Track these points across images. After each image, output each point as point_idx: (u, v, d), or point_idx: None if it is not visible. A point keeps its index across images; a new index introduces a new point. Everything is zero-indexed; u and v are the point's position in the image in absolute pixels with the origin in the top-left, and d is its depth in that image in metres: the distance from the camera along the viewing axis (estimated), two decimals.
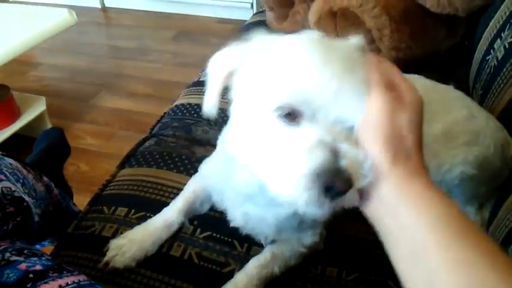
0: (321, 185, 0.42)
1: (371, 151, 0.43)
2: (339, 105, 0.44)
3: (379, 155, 0.43)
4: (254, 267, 0.68)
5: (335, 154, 0.43)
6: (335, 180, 0.42)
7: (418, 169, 0.43)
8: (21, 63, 2.35)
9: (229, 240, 0.75)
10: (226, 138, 0.67)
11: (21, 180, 0.72)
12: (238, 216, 0.68)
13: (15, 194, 0.67)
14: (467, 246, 0.38)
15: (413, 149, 0.44)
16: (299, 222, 0.66)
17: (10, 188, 0.66)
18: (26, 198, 0.69)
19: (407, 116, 0.44)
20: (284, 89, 0.45)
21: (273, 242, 0.71)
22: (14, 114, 1.75)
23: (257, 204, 0.63)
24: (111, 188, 0.87)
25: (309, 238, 0.70)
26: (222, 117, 1.06)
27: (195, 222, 0.77)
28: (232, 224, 0.70)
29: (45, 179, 0.82)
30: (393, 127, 0.43)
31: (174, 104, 1.16)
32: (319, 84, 0.44)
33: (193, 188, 0.78)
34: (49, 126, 1.87)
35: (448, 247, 0.38)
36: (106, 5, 3.20)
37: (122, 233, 0.73)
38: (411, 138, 0.44)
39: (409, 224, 0.41)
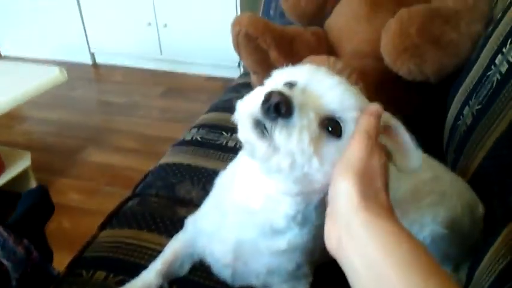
0: (263, 104, 0.47)
1: (343, 183, 0.45)
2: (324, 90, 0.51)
3: (351, 188, 0.45)
4: None
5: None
6: (272, 94, 0.46)
7: (386, 208, 0.46)
8: (8, 117, 2.35)
9: None
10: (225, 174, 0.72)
11: (0, 243, 0.72)
12: (229, 250, 0.68)
13: None
14: (435, 286, 0.39)
15: (382, 190, 0.47)
16: (292, 263, 0.66)
17: None
18: (5, 262, 0.69)
19: (382, 161, 0.47)
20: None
21: None
22: None
23: (253, 229, 0.64)
24: (91, 250, 0.86)
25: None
26: (206, 177, 1.09)
27: (174, 287, 0.76)
28: (222, 261, 0.70)
29: (25, 241, 0.82)
30: (367, 166, 0.46)
31: (159, 163, 1.18)
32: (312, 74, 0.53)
33: (173, 248, 0.79)
34: (33, 181, 1.87)
35: (415, 286, 0.39)
36: (97, 61, 3.29)
37: None
38: (381, 181, 0.47)
39: (377, 261, 0.42)
